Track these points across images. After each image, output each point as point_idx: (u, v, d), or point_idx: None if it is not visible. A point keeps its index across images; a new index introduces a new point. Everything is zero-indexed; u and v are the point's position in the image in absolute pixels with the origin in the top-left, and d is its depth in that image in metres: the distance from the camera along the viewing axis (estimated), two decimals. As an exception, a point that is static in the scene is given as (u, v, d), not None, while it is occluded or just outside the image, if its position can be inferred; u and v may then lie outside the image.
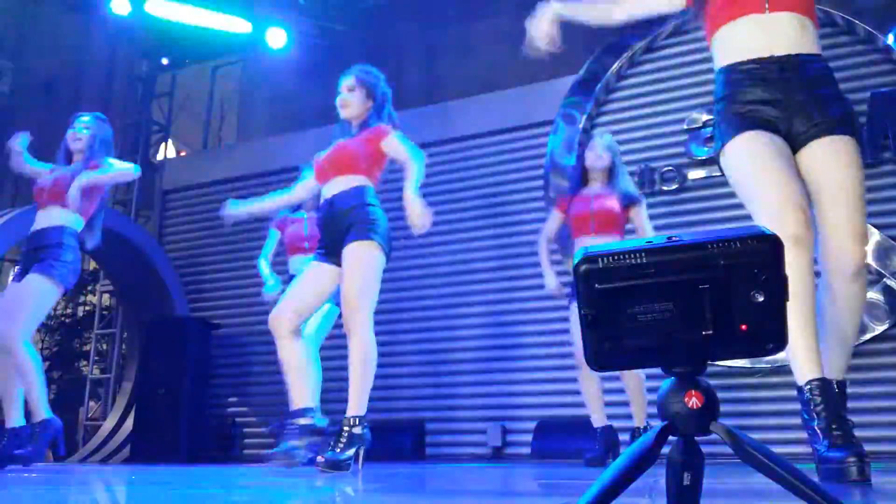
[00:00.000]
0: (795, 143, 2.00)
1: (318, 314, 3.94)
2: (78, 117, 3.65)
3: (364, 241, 2.80)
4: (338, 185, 2.93)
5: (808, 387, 1.85)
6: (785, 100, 1.97)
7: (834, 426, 1.83)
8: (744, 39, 2.03)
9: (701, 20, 2.26)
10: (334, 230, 2.88)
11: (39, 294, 3.24)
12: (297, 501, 1.50)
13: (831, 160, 1.96)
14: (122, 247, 6.04)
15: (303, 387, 2.91)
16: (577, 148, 5.33)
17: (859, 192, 1.97)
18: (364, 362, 2.77)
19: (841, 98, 2.04)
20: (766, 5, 2.00)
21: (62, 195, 3.36)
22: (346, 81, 3.15)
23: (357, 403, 2.74)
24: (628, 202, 3.75)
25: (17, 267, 3.61)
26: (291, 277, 4.15)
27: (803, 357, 1.87)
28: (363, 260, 2.80)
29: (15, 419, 3.27)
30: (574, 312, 3.55)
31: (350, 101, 3.10)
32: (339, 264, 2.87)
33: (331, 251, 2.91)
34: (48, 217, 3.41)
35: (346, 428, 2.70)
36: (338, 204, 2.89)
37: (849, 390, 2.16)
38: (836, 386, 2.00)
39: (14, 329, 3.14)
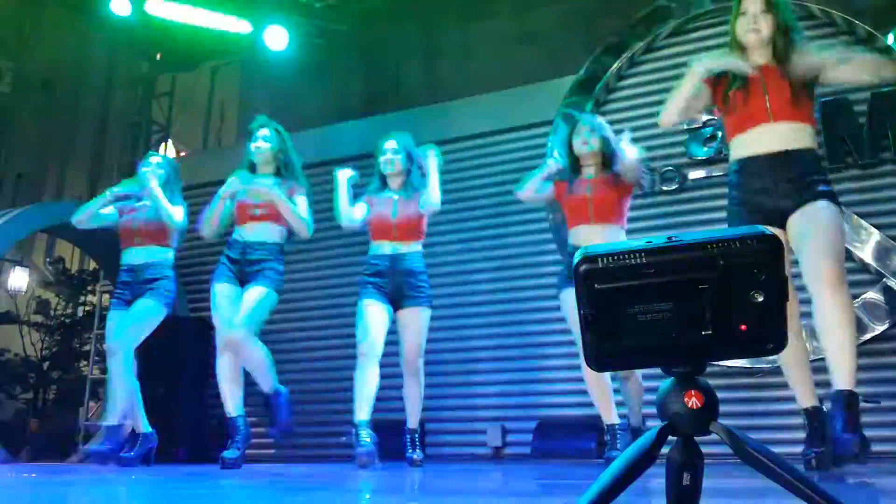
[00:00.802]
0: (784, 216, 2.50)
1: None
2: (148, 156, 4.26)
3: (426, 308, 3.75)
4: (406, 248, 3.79)
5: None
6: (773, 187, 2.51)
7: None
8: (752, 143, 2.59)
9: (722, 126, 2.92)
10: (398, 283, 3.70)
11: (154, 316, 3.93)
12: (299, 500, 1.50)
13: (808, 215, 2.47)
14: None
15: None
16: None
17: (834, 231, 2.44)
18: (421, 396, 3.82)
19: (824, 181, 2.54)
20: (771, 118, 2.57)
21: (157, 235, 4.02)
22: (391, 143, 3.88)
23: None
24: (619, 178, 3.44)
25: (113, 296, 4.16)
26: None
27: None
28: (425, 324, 3.76)
29: (143, 425, 3.97)
30: (564, 301, 3.49)
31: (396, 159, 3.84)
32: (394, 306, 3.71)
33: (390, 296, 3.70)
34: (149, 253, 4.02)
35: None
36: (406, 264, 3.74)
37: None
38: (847, 397, 2.33)
39: (130, 341, 3.81)
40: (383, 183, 3.91)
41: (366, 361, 3.56)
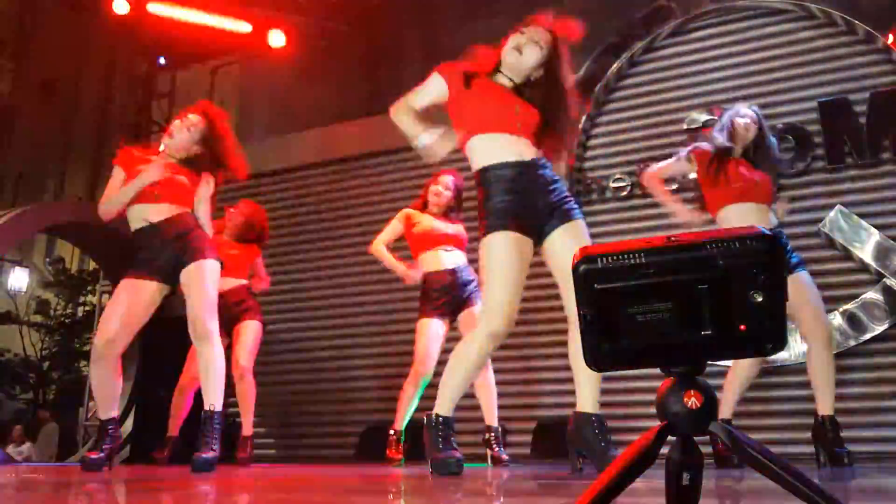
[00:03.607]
0: None
1: None
2: None
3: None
4: (462, 258, 4.16)
5: None
6: None
7: None
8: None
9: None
10: (460, 294, 4.02)
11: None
12: (299, 500, 1.51)
13: None
14: (121, 246, 6.04)
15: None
16: (577, 148, 5.33)
17: None
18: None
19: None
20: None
21: None
22: (447, 181, 4.14)
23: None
24: None
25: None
26: None
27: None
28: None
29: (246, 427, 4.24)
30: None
31: (448, 197, 4.14)
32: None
33: (454, 310, 4.01)
34: None
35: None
36: (464, 274, 4.10)
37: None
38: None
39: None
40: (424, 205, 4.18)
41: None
